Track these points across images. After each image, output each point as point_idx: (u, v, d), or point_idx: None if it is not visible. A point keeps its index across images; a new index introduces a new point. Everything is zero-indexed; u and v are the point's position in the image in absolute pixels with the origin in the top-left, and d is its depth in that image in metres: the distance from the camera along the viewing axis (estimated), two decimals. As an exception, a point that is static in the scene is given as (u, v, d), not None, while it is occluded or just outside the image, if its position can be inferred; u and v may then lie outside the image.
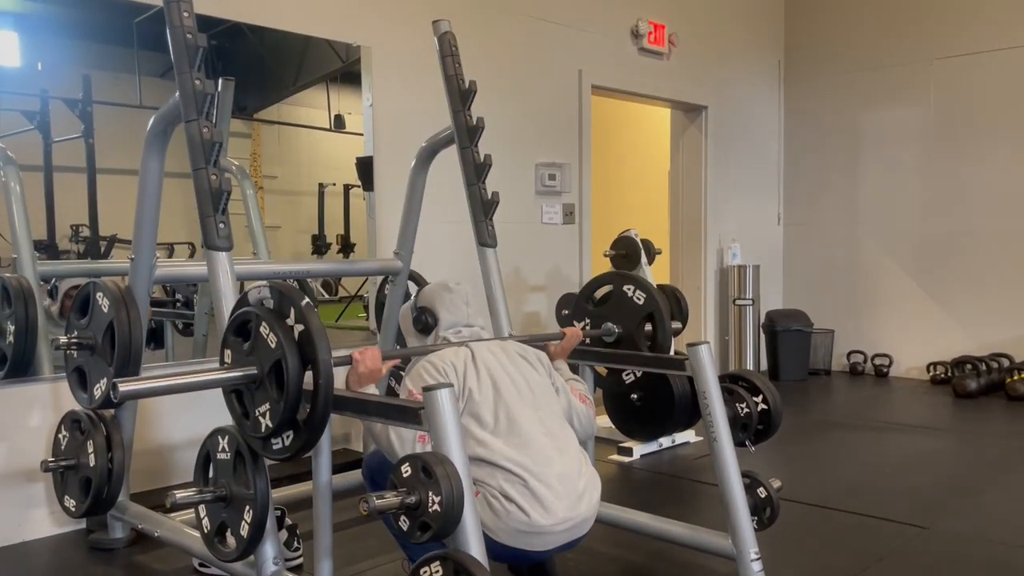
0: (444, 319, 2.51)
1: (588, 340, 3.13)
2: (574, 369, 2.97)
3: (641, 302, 3.09)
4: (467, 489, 1.79)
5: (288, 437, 1.98)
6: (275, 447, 2.02)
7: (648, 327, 3.10)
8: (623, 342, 3.14)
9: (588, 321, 3.21)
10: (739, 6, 6.64)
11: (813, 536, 3.12)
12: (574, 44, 5.31)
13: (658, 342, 3.09)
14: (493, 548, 2.12)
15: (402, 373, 3.76)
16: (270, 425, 1.96)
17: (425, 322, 2.52)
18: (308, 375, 1.96)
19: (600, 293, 3.27)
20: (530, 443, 2.20)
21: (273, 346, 1.93)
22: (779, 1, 7.03)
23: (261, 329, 1.97)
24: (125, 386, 1.91)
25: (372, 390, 2.26)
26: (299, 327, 1.93)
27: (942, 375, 6.16)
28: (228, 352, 2.09)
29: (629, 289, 3.14)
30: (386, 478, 1.86)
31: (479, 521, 1.86)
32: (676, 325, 3.25)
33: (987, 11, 6.07)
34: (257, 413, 1.99)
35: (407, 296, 3.58)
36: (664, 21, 5.87)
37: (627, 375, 3.19)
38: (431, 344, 2.49)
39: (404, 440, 2.14)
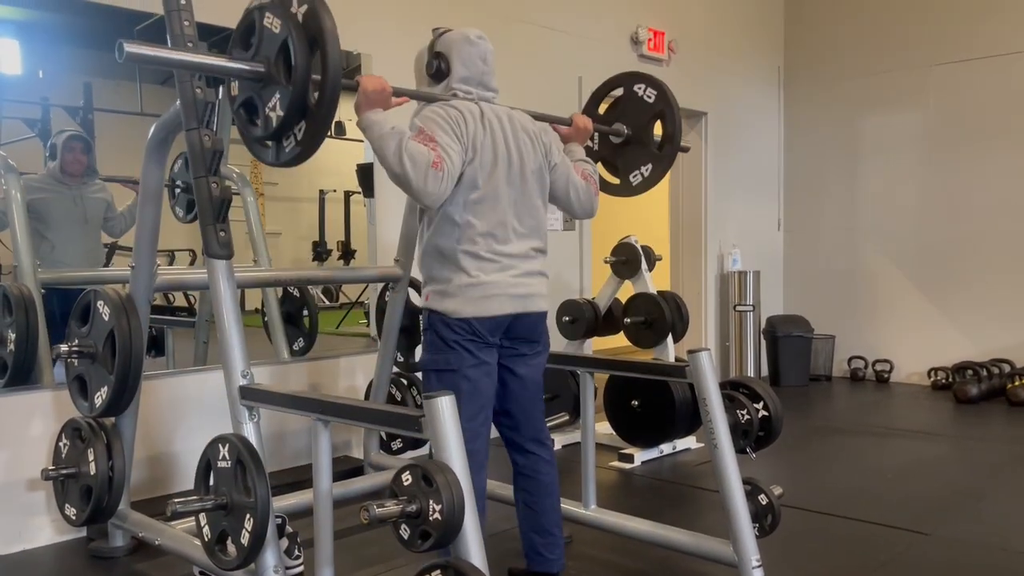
0: (457, 71, 2.39)
1: (596, 138, 3.05)
2: (571, 373, 2.92)
3: (652, 100, 2.99)
4: (468, 498, 1.79)
5: (300, 130, 1.93)
6: (287, 147, 1.96)
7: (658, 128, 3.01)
8: (632, 143, 3.04)
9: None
10: (738, 13, 6.66)
11: (815, 543, 3.12)
12: (574, 51, 5.32)
13: (668, 135, 2.97)
14: (462, 327, 2.29)
15: (403, 381, 3.78)
16: (280, 115, 1.91)
17: (438, 67, 2.41)
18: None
19: (611, 101, 3.13)
20: (501, 222, 2.33)
21: (278, 31, 1.89)
22: (778, 8, 7.05)
23: (265, 21, 1.93)
24: (132, 47, 1.85)
25: (381, 116, 2.18)
26: (303, 8, 1.88)
27: (943, 380, 6.15)
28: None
29: (640, 88, 3.01)
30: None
31: (480, 529, 1.86)
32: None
33: (986, 17, 6.08)
34: (267, 110, 1.95)
35: (408, 304, 3.58)
36: (664, 28, 5.88)
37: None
38: (440, 93, 2.40)
39: (417, 164, 2.12)
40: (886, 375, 6.51)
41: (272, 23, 1.91)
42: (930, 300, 6.38)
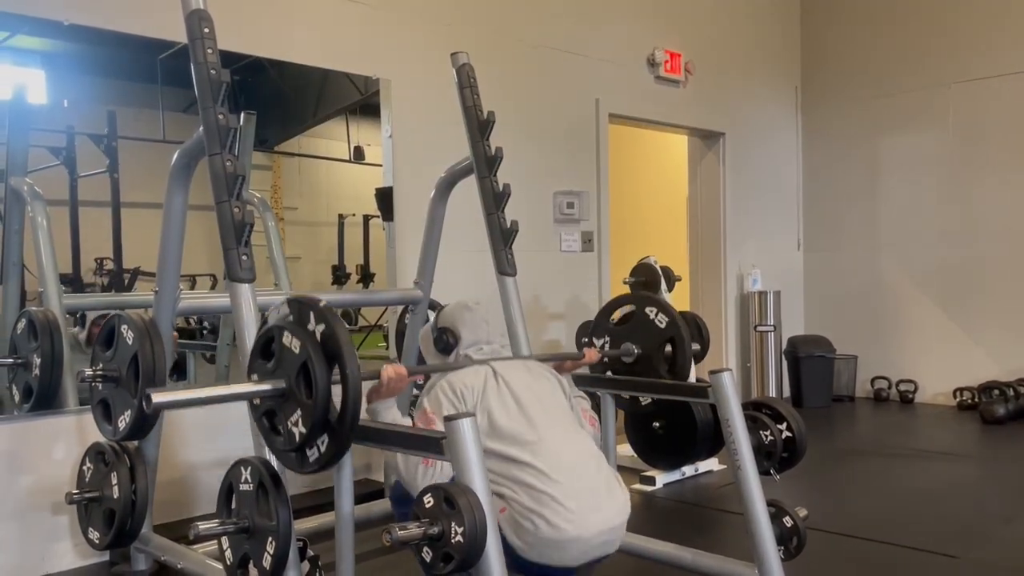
0: (465, 338, 2.53)
1: (607, 359, 3.11)
2: (591, 395, 2.93)
3: (663, 325, 3.05)
4: (490, 520, 1.78)
5: (323, 443, 1.95)
6: (311, 459, 1.99)
7: (668, 350, 3.05)
8: (642, 363, 3.10)
9: (608, 339, 3.18)
10: (755, 33, 6.67)
11: (841, 566, 3.07)
12: (591, 74, 5.34)
13: (677, 366, 3.04)
14: (524, 568, 2.15)
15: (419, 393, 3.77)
16: (303, 431, 1.93)
17: (446, 342, 2.54)
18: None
19: (621, 314, 3.22)
20: (558, 460, 2.21)
21: (297, 351, 1.93)
22: (795, 27, 7.06)
23: (284, 339, 1.97)
24: (158, 396, 1.90)
25: (385, 406, 2.28)
26: (320, 327, 1.93)
27: (969, 401, 6.06)
28: (255, 376, 2.09)
29: (651, 311, 3.09)
30: (409, 506, 1.87)
31: (502, 552, 1.84)
32: (695, 347, 3.20)
33: (1005, 34, 6.06)
34: (289, 424, 1.98)
35: (426, 321, 3.59)
36: (680, 50, 5.91)
37: (644, 400, 3.17)
38: (452, 362, 2.51)
39: (409, 466, 2.20)
40: (910, 396, 6.43)
41: (291, 342, 1.96)
42: (953, 319, 6.31)
